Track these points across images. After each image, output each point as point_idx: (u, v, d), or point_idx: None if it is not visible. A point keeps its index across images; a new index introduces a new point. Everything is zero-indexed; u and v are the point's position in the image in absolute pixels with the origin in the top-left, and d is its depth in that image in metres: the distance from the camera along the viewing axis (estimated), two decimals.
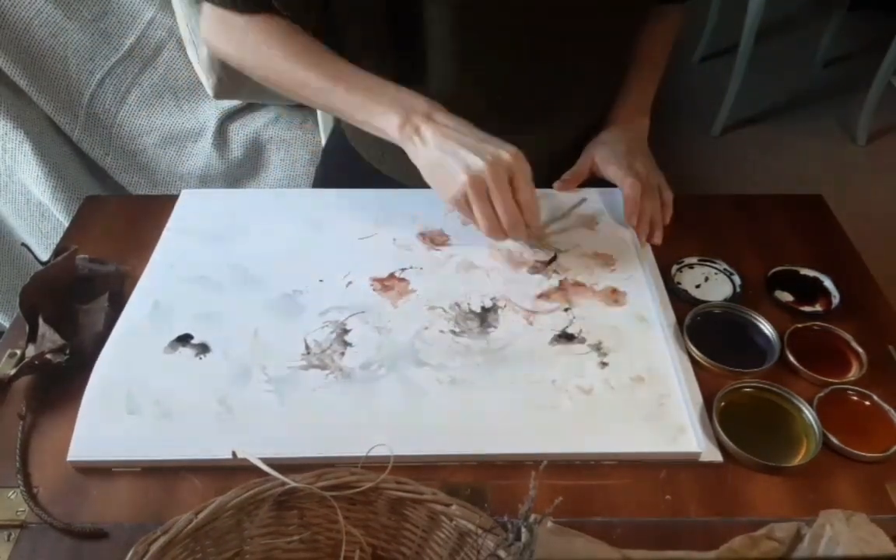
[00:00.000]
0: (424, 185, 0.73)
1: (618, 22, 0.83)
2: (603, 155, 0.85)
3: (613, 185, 0.84)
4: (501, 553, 0.47)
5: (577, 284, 0.74)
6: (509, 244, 0.78)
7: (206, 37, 0.84)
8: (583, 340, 0.68)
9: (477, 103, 0.77)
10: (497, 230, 0.71)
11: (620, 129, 0.87)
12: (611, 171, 0.83)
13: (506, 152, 0.70)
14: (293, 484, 0.50)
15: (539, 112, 0.87)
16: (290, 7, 0.77)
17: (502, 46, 0.79)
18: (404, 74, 0.77)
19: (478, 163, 0.68)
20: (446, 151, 0.70)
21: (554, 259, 0.77)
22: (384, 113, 0.73)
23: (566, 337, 0.69)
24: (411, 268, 0.76)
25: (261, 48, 0.79)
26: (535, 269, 0.76)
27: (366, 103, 0.74)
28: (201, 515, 0.48)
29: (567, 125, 0.90)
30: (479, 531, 0.48)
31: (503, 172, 0.69)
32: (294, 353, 0.66)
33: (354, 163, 0.97)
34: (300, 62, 0.77)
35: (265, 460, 0.52)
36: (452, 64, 0.80)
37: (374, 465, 0.52)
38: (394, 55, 0.81)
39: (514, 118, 0.84)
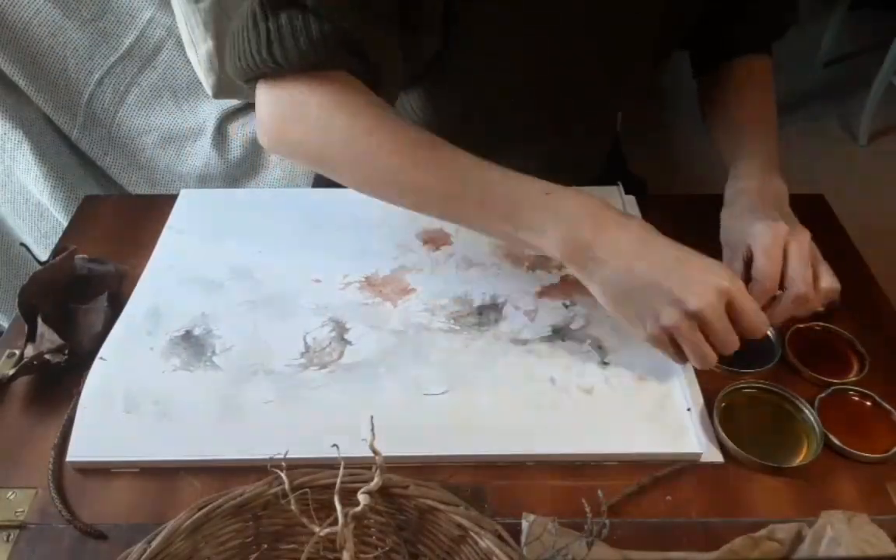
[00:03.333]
0: None
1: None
2: (754, 233, 0.67)
3: (615, 185, 0.84)
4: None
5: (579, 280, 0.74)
6: None
7: (265, 133, 0.67)
8: (583, 339, 0.68)
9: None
10: (712, 362, 0.59)
11: (760, 201, 0.73)
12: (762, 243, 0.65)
13: (716, 278, 0.56)
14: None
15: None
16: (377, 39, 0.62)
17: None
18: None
19: (691, 302, 0.55)
20: (637, 286, 0.58)
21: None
22: (541, 231, 0.60)
23: (567, 333, 0.68)
24: (412, 267, 0.75)
25: (347, 132, 0.63)
26: (535, 266, 0.76)
27: (512, 215, 0.61)
28: (154, 543, 0.43)
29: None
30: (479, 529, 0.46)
31: (720, 305, 0.56)
32: (293, 352, 0.66)
33: None
34: (408, 156, 0.62)
35: (264, 461, 0.51)
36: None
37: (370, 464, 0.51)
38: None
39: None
